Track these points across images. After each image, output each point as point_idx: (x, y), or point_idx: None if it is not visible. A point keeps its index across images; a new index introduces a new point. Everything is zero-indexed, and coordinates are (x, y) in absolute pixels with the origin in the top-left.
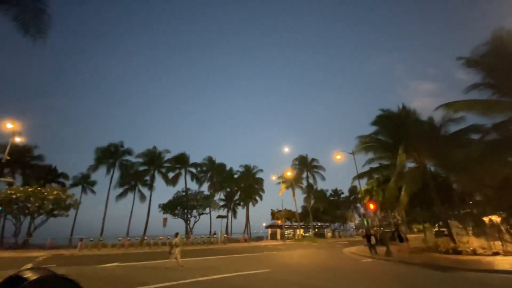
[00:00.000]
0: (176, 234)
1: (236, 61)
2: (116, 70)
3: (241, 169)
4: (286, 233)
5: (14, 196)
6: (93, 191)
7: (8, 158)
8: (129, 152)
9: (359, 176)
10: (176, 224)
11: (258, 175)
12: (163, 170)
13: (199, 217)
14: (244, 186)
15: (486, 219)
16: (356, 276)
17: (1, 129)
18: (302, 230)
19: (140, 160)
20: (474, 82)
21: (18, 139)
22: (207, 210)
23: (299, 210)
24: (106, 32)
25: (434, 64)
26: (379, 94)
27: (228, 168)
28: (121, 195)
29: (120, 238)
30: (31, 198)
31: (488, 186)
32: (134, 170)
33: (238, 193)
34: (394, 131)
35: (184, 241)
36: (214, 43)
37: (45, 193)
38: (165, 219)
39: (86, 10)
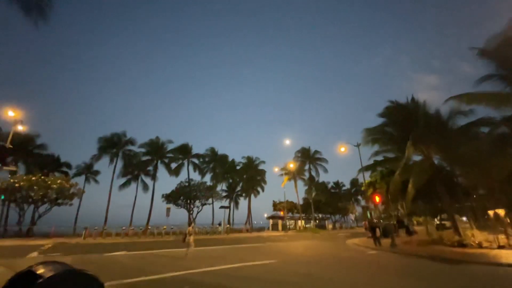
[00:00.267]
0: (190, 224)
1: (241, 56)
2: (121, 60)
3: (243, 161)
4: (287, 224)
5: (17, 185)
6: (96, 181)
7: (11, 146)
8: (132, 142)
9: (365, 168)
10: (179, 214)
11: (261, 167)
12: (166, 161)
13: (202, 208)
14: (246, 177)
15: (490, 212)
16: (364, 267)
17: (3, 117)
18: (303, 222)
19: (143, 150)
20: (486, 74)
21: (20, 128)
22: (210, 200)
23: (301, 202)
24: (110, 21)
25: (439, 57)
26: (383, 87)
27: (230, 159)
28: (124, 185)
29: (124, 227)
30: (35, 187)
31: (494, 180)
32: (137, 160)
33: (240, 184)
34: (403, 123)
35: (196, 230)
36: (222, 38)
37: (49, 182)
38: (168, 209)
39: None
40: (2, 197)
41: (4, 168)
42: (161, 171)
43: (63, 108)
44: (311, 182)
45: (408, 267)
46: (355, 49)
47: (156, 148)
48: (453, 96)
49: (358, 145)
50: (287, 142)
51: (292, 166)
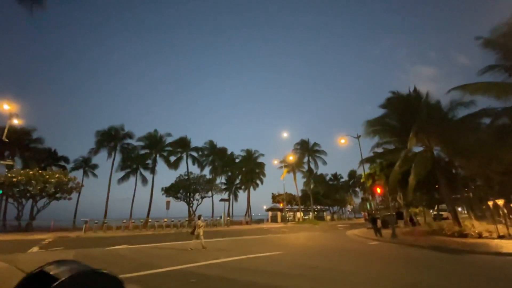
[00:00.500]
0: (199, 216)
1: (240, 51)
2: (120, 54)
3: (242, 154)
4: (286, 215)
5: (15, 179)
6: (94, 175)
7: (7, 140)
8: (130, 135)
9: (366, 160)
10: (179, 207)
11: (260, 160)
12: (165, 154)
13: (202, 200)
14: (245, 170)
15: (490, 203)
16: (368, 258)
17: None
18: (302, 213)
19: (141, 143)
20: (489, 64)
21: (16, 121)
22: (209, 193)
23: (299, 194)
24: (111, 15)
25: (436, 49)
26: (381, 79)
27: (229, 152)
28: (123, 179)
29: (124, 221)
30: (33, 181)
31: (494, 171)
32: (136, 154)
33: (240, 177)
34: (404, 114)
35: (208, 222)
36: (220, 33)
37: (47, 176)
38: (168, 202)
39: None
40: (0, 191)
41: (1, 162)
42: (160, 164)
43: (59, 102)
44: (310, 174)
45: (412, 257)
46: (354, 42)
47: (154, 142)
48: (457, 86)
49: (358, 137)
50: (285, 134)
51: (291, 158)
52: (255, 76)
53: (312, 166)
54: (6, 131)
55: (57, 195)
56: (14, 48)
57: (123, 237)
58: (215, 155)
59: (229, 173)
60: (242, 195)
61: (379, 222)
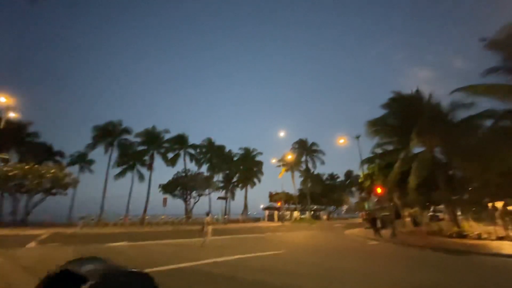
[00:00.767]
0: (208, 213)
1: (239, 49)
2: (118, 48)
3: (240, 152)
4: (283, 214)
5: (10, 174)
6: (90, 170)
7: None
8: (127, 131)
9: (366, 161)
10: (176, 204)
11: (258, 158)
12: (162, 151)
13: (199, 198)
14: (243, 168)
15: (488, 205)
16: (371, 258)
17: None
18: (298, 212)
19: (139, 139)
20: (492, 66)
21: (12, 114)
22: (207, 191)
23: (297, 193)
24: (110, 10)
25: (433, 51)
26: (378, 79)
27: (227, 150)
28: (119, 175)
29: (121, 217)
30: (29, 176)
31: (494, 173)
32: (133, 150)
33: (237, 175)
34: (406, 114)
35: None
36: (220, 32)
37: (43, 171)
38: (165, 199)
39: None
40: None
41: None
42: (157, 161)
43: (55, 95)
44: (307, 173)
45: (413, 257)
46: (352, 43)
47: (152, 138)
48: (460, 87)
49: (357, 138)
50: (282, 134)
51: (290, 157)
52: (254, 76)
53: (310, 165)
54: (2, 124)
55: (53, 191)
56: (12, 39)
57: (120, 233)
58: (213, 153)
59: (227, 171)
60: (239, 193)
61: (378, 222)
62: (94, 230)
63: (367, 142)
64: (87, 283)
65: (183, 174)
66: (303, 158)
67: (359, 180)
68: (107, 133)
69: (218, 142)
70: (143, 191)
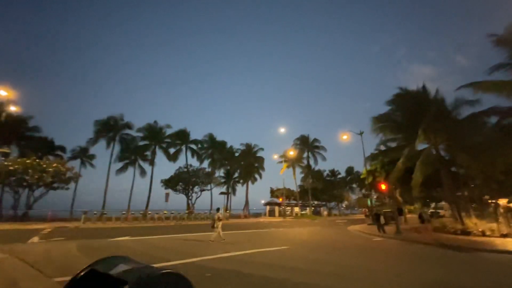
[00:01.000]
0: (218, 209)
1: (241, 46)
2: (121, 42)
3: (242, 147)
4: (284, 210)
5: (11, 168)
6: (92, 165)
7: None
8: (129, 126)
9: (371, 157)
10: (177, 199)
11: (259, 154)
12: (164, 146)
13: (201, 193)
14: (244, 164)
15: (491, 202)
16: (377, 254)
17: None
18: (299, 208)
19: (141, 134)
20: (499, 63)
21: (13, 108)
22: (209, 186)
23: (298, 189)
24: (112, 4)
25: (435, 47)
26: (379, 76)
27: (228, 146)
28: (121, 170)
29: (123, 212)
30: (29, 170)
31: (498, 170)
32: (135, 145)
33: (238, 171)
34: (412, 111)
35: (206, 216)
36: (222, 30)
37: (44, 166)
38: (167, 194)
39: None
40: None
41: None
42: (158, 156)
43: (56, 89)
44: (308, 170)
45: (420, 254)
46: (352, 39)
47: (154, 133)
48: (466, 84)
49: (361, 133)
50: (282, 130)
51: (292, 153)
52: (255, 72)
53: (312, 161)
54: (3, 116)
55: (54, 185)
56: (13, 33)
57: (123, 228)
58: (214, 148)
59: (228, 167)
60: (240, 189)
61: (382, 219)
62: (97, 225)
63: (368, 139)
64: (124, 287)
65: (185, 169)
66: (305, 154)
67: (361, 177)
68: (109, 128)
69: (219, 138)
70: (144, 186)
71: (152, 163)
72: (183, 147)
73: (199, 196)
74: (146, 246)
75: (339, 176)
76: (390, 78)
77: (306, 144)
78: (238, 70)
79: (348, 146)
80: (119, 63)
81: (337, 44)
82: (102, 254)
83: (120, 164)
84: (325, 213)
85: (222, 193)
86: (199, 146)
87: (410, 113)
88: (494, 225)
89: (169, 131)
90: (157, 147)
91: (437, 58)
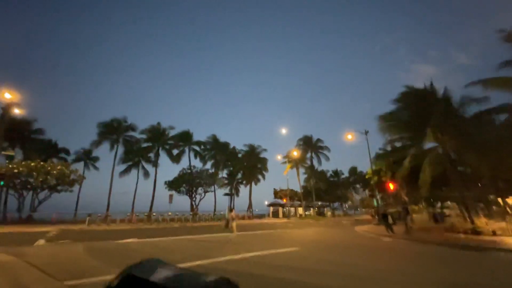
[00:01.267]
0: (231, 209)
1: (245, 46)
2: (125, 44)
3: (245, 148)
4: (288, 211)
5: (16, 171)
6: (95, 167)
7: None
8: (132, 128)
9: (378, 157)
10: (181, 201)
11: (262, 155)
12: (167, 147)
13: (205, 195)
14: (247, 165)
15: (500, 201)
16: (390, 255)
17: None
18: (303, 209)
19: (144, 136)
20: (509, 59)
21: (17, 111)
22: (212, 188)
23: (301, 190)
24: (116, 6)
25: (436, 46)
26: (380, 76)
27: (231, 147)
28: (125, 172)
29: (128, 214)
30: (34, 173)
31: (507, 169)
32: (138, 147)
33: (241, 172)
34: (418, 109)
35: (239, 215)
36: (226, 31)
37: (48, 168)
38: (171, 196)
39: None
40: (2, 183)
41: (2, 152)
42: (161, 158)
43: (59, 91)
44: (311, 170)
45: (432, 254)
46: (354, 39)
47: (157, 135)
48: (474, 81)
49: (366, 133)
50: (284, 131)
51: (295, 154)
52: (259, 74)
53: (315, 162)
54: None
55: (59, 187)
56: (17, 36)
57: (128, 230)
58: (218, 150)
59: (231, 168)
60: (243, 190)
61: (390, 219)
62: (102, 227)
63: (371, 139)
64: None
65: (189, 171)
66: (308, 155)
67: (366, 176)
68: (112, 130)
69: (222, 139)
70: (147, 188)
71: (155, 164)
72: (186, 149)
73: (203, 198)
74: (154, 248)
75: (342, 176)
76: (391, 78)
77: (310, 145)
78: (241, 72)
79: (350, 147)
80: (122, 66)
81: (338, 44)
82: (110, 257)
83: (123, 166)
84: (329, 213)
85: (226, 194)
86: (202, 147)
87: (417, 111)
88: (502, 225)
89: (172, 133)
90: (160, 148)
91: (438, 57)
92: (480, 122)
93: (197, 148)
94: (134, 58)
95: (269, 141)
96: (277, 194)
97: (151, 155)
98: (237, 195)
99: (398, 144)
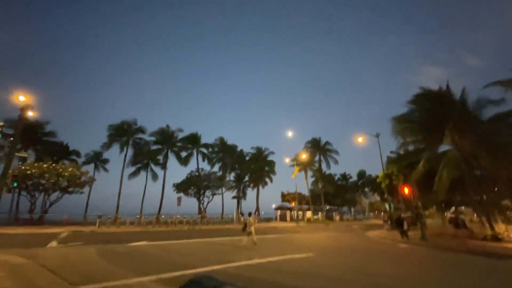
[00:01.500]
0: (250, 214)
1: (252, 50)
2: (130, 46)
3: (252, 151)
4: (296, 215)
5: (28, 172)
6: (105, 169)
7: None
8: (142, 130)
9: (392, 160)
10: (189, 203)
11: (270, 158)
12: (176, 150)
13: (213, 197)
14: (255, 168)
15: None
16: (407, 262)
17: (13, 102)
18: (311, 213)
19: (153, 138)
20: None
21: (30, 113)
22: (220, 191)
23: (309, 193)
24: (125, 8)
25: (444, 48)
26: (387, 78)
27: (239, 150)
28: (134, 174)
29: (137, 216)
30: (46, 175)
31: None
32: (147, 149)
33: (248, 175)
34: (434, 112)
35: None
36: (233, 33)
37: (60, 170)
38: (179, 198)
39: None
40: (15, 184)
41: (16, 154)
42: (170, 160)
43: (69, 94)
44: (319, 173)
45: (453, 262)
46: (360, 40)
47: (166, 137)
48: (494, 81)
49: (377, 136)
50: (290, 134)
51: (304, 156)
52: (267, 77)
53: (324, 165)
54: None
55: (70, 189)
56: (26, 35)
57: (138, 232)
58: (225, 152)
59: (238, 171)
60: (250, 193)
61: (406, 224)
62: (112, 229)
63: (380, 141)
64: None
65: (197, 174)
66: (316, 158)
67: (377, 180)
68: (122, 132)
69: (230, 141)
70: (155, 190)
71: (164, 167)
72: (194, 151)
73: (211, 200)
74: (167, 252)
75: (351, 180)
76: (399, 80)
77: (318, 147)
78: (249, 74)
79: (358, 150)
80: (132, 69)
81: (345, 46)
82: (124, 260)
83: (132, 168)
84: (337, 218)
85: (234, 197)
86: (210, 150)
87: (432, 113)
88: None
89: (180, 135)
90: (169, 151)
91: (448, 59)
92: (497, 125)
93: (205, 150)
94: (144, 61)
95: (277, 144)
96: (284, 197)
97: (160, 157)
98: (244, 198)
99: (410, 148)
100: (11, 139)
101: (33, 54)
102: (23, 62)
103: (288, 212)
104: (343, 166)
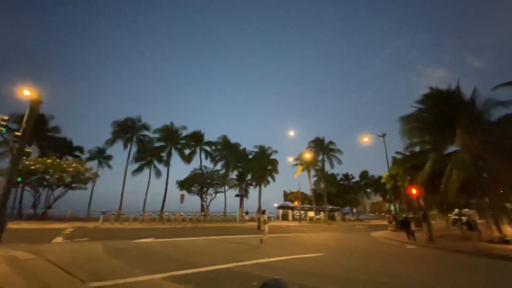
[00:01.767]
0: (264, 212)
1: (255, 45)
2: (138, 43)
3: (255, 150)
4: (297, 214)
5: (33, 168)
6: (109, 166)
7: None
8: (146, 127)
9: (399, 162)
10: (191, 200)
11: (273, 157)
12: (179, 147)
13: (216, 195)
14: (257, 166)
15: None
16: (416, 263)
17: (18, 96)
18: (313, 212)
19: (157, 135)
20: None
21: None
22: (222, 188)
23: (310, 193)
24: (129, 4)
25: (449, 50)
26: (391, 80)
27: (242, 148)
28: (137, 171)
29: (141, 213)
30: (50, 170)
31: None
32: (151, 146)
33: (251, 173)
34: (443, 112)
35: (272, 219)
36: (235, 30)
37: (64, 166)
38: (182, 196)
39: None
40: (19, 179)
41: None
42: (173, 157)
43: (74, 90)
44: (322, 173)
45: (465, 264)
46: (366, 41)
47: (170, 134)
48: (505, 82)
49: (383, 136)
50: (291, 133)
51: (308, 156)
52: (271, 76)
53: (327, 164)
54: (26, 117)
55: (73, 185)
56: (31, 31)
57: (142, 229)
58: (228, 150)
59: (241, 169)
60: (252, 191)
61: (412, 225)
62: (115, 225)
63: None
64: None
65: (200, 171)
66: (320, 157)
67: (382, 181)
68: (126, 129)
69: (233, 140)
70: (158, 187)
71: (167, 164)
72: (198, 149)
73: (214, 198)
74: (175, 249)
75: (353, 180)
76: (403, 81)
77: (321, 147)
78: (254, 73)
79: (361, 150)
80: (137, 65)
81: (350, 49)
82: (131, 257)
83: (136, 165)
84: (339, 218)
85: (237, 195)
86: (213, 147)
87: (441, 114)
88: None
89: (184, 133)
90: (172, 148)
91: (452, 61)
92: (506, 126)
93: (208, 148)
94: (148, 58)
95: (280, 143)
96: (287, 196)
97: (163, 154)
98: (247, 196)
99: (416, 149)
100: (16, 133)
101: (37, 49)
102: (27, 57)
103: (290, 212)
104: (346, 166)
